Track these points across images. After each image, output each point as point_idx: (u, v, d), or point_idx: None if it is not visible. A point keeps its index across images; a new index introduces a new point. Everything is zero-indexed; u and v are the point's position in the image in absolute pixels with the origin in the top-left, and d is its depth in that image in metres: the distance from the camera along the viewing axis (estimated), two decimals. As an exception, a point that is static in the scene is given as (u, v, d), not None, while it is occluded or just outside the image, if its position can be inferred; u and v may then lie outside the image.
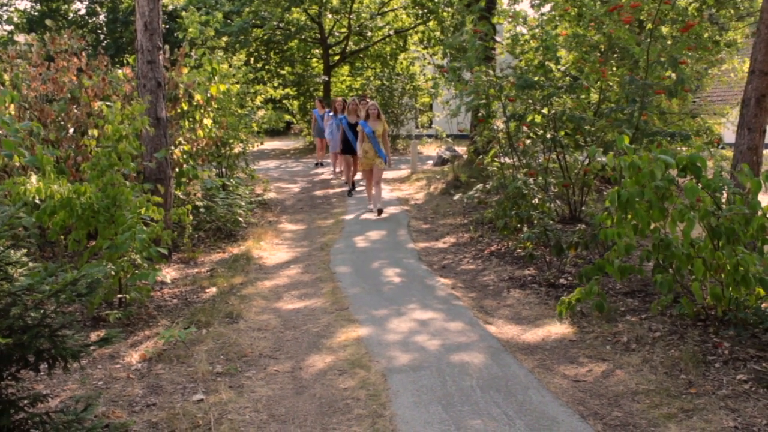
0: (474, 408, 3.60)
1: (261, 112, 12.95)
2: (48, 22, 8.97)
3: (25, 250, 2.85)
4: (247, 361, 4.44)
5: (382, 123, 10.04)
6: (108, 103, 6.59)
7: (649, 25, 8.30)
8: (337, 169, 14.56)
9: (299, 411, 3.68)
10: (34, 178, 4.85)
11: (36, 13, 24.86)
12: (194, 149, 8.72)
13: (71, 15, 26.06)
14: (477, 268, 6.99)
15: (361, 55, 24.42)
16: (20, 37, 22.29)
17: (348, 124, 11.48)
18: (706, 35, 10.59)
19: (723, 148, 9.86)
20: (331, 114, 14.09)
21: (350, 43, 23.74)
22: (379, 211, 9.85)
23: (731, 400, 3.63)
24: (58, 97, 7.17)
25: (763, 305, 4.67)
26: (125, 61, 8.47)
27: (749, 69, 6.86)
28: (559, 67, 8.40)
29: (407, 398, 3.75)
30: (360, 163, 10.46)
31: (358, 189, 12.42)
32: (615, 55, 8.79)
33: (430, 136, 19.72)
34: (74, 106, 7.17)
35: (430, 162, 16.62)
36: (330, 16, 23.09)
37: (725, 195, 4.61)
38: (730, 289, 4.45)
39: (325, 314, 5.44)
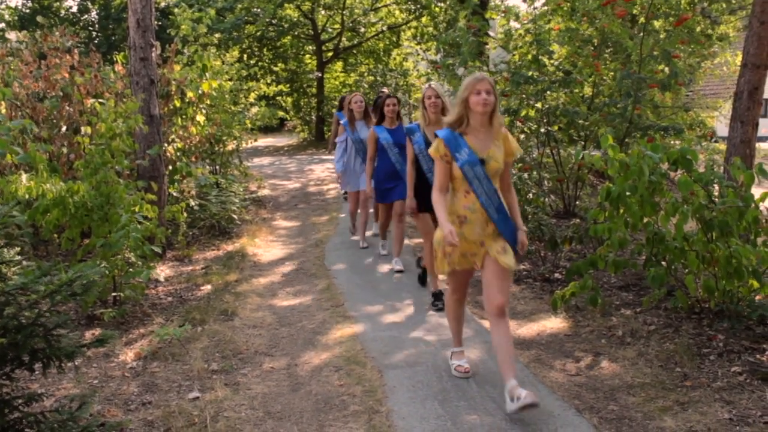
0: (470, 403, 3.61)
1: (254, 109, 12.87)
2: (40, 19, 8.92)
3: (18, 249, 2.84)
4: (243, 359, 4.43)
5: (502, 140, 3.62)
6: (101, 100, 6.56)
7: (642, 19, 8.31)
8: (380, 247, 7.33)
9: (295, 408, 3.68)
10: (24, 177, 4.82)
11: (27, 11, 24.69)
12: (187, 146, 8.69)
13: (63, 12, 25.89)
14: (472, 263, 6.98)
15: (355, 51, 24.40)
16: (12, 35, 22.14)
17: (423, 144, 5.03)
18: (698, 29, 10.62)
19: (716, 141, 9.90)
20: (344, 122, 7.67)
21: (343, 39, 23.72)
22: (525, 406, 3.28)
23: (726, 393, 3.64)
24: (50, 94, 7.13)
25: (757, 297, 4.70)
26: (114, 59, 8.40)
27: (741, 62, 6.89)
28: (552, 61, 8.41)
29: (403, 394, 3.75)
30: (450, 249, 3.64)
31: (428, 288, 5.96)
32: (608, 49, 8.81)
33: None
34: (66, 104, 7.13)
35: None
36: (323, 12, 23.07)
37: (717, 188, 4.63)
38: (724, 281, 4.47)
39: (320, 311, 5.44)
